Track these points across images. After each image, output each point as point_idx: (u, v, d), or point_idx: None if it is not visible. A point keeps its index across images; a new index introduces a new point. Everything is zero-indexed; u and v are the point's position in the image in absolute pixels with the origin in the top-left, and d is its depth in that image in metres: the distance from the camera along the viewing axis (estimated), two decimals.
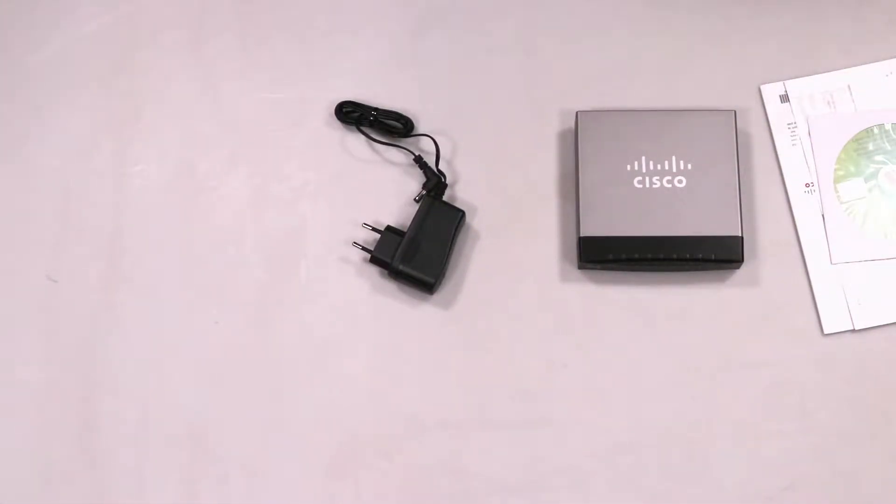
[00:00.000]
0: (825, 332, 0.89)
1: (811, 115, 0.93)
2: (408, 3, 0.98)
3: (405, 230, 0.90)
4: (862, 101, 0.93)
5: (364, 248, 0.91)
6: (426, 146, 0.94)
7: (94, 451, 0.89)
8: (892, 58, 0.94)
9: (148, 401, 0.89)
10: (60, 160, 0.95)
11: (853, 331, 0.89)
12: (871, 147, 0.92)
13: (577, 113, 0.91)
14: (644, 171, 0.89)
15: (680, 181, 0.89)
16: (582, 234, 0.89)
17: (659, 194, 0.89)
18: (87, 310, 0.91)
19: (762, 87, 0.94)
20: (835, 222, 0.90)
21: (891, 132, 0.92)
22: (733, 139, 0.90)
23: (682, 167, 0.89)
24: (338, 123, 0.95)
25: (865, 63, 0.94)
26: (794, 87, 0.94)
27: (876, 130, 0.92)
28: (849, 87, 0.93)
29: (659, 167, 0.89)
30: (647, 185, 0.89)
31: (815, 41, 0.95)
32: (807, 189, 0.91)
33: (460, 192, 0.93)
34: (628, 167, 0.89)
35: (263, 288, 0.91)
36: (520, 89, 0.95)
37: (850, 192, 0.91)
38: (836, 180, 0.91)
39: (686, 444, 0.87)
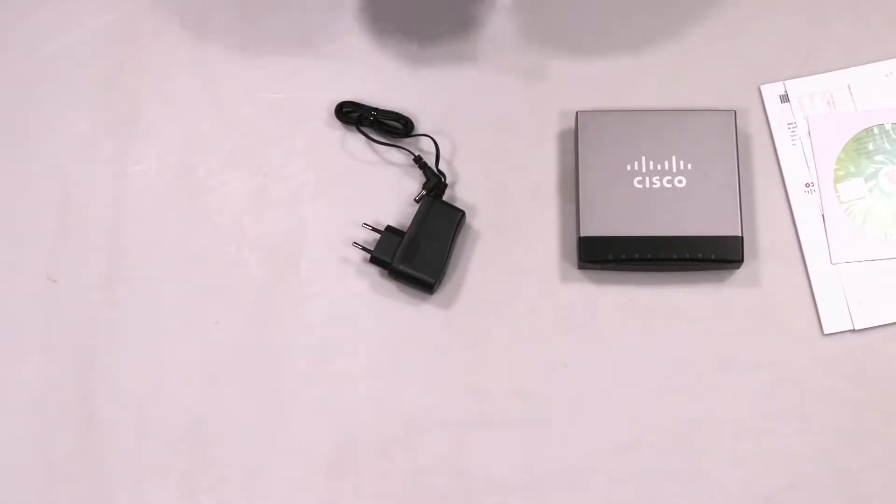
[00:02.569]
0: (825, 332, 0.89)
1: (811, 114, 0.93)
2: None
3: (405, 230, 0.90)
4: (862, 100, 0.93)
5: (364, 248, 0.91)
6: (426, 146, 0.94)
7: (94, 451, 0.89)
8: (891, 58, 0.94)
9: (148, 401, 0.89)
10: (60, 160, 0.95)
11: (853, 331, 0.89)
12: (871, 147, 0.92)
13: (577, 113, 0.91)
14: (644, 171, 0.89)
15: (680, 181, 0.89)
16: (582, 234, 0.89)
17: (659, 194, 0.89)
18: (87, 310, 0.91)
19: (762, 87, 0.94)
20: (835, 222, 0.90)
21: (891, 132, 0.92)
22: (733, 139, 0.90)
23: (682, 167, 0.89)
24: (338, 123, 0.95)
25: (866, 63, 0.94)
26: (794, 87, 0.94)
27: (876, 130, 0.92)
28: (849, 87, 0.93)
29: (659, 167, 0.89)
30: (647, 185, 0.89)
31: (815, 41, 0.95)
32: (807, 189, 0.91)
33: (460, 192, 0.93)
34: (628, 167, 0.89)
35: (263, 288, 0.91)
36: (520, 89, 0.95)
37: (850, 192, 0.91)
38: (837, 180, 0.91)
39: (686, 444, 0.87)
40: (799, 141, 0.92)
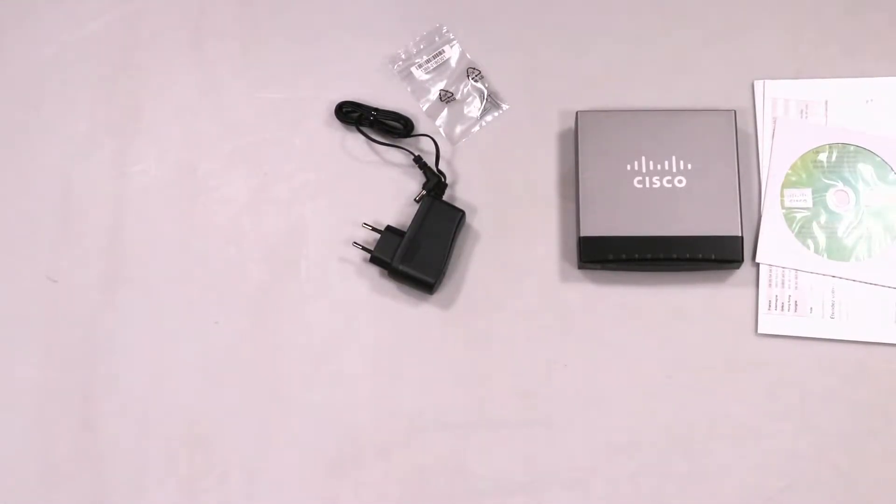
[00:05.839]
0: None
1: (779, 117, 0.93)
2: (408, 3, 0.98)
3: (405, 230, 0.90)
4: (835, 117, 0.92)
5: (364, 248, 0.91)
6: (426, 146, 0.94)
7: (94, 451, 0.89)
8: (879, 76, 0.94)
9: (148, 401, 0.89)
10: (60, 160, 0.95)
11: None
12: (827, 164, 0.91)
13: (577, 113, 0.92)
14: (644, 171, 0.89)
15: (680, 181, 0.89)
16: (582, 234, 0.89)
17: (659, 194, 0.89)
18: (87, 310, 0.91)
19: (755, 83, 0.94)
20: (770, 223, 0.90)
21: (853, 155, 0.91)
22: (733, 139, 0.90)
23: (682, 167, 0.89)
24: (338, 123, 0.95)
25: (858, 76, 0.93)
26: (772, 88, 0.93)
27: (838, 149, 0.92)
28: (826, 102, 0.93)
29: (659, 167, 0.89)
30: (647, 185, 0.89)
31: (815, 45, 0.95)
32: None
33: (460, 192, 0.93)
34: (628, 167, 0.89)
35: (263, 288, 0.91)
36: (520, 89, 0.95)
37: (794, 200, 0.91)
38: (785, 185, 0.91)
39: (686, 444, 0.87)
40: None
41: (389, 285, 0.91)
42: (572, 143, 0.93)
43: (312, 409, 0.89)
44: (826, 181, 0.91)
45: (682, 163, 0.89)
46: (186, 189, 0.94)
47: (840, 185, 0.91)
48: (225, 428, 0.89)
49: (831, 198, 0.91)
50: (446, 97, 0.95)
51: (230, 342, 0.90)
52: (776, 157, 0.92)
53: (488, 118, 0.94)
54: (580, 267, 0.90)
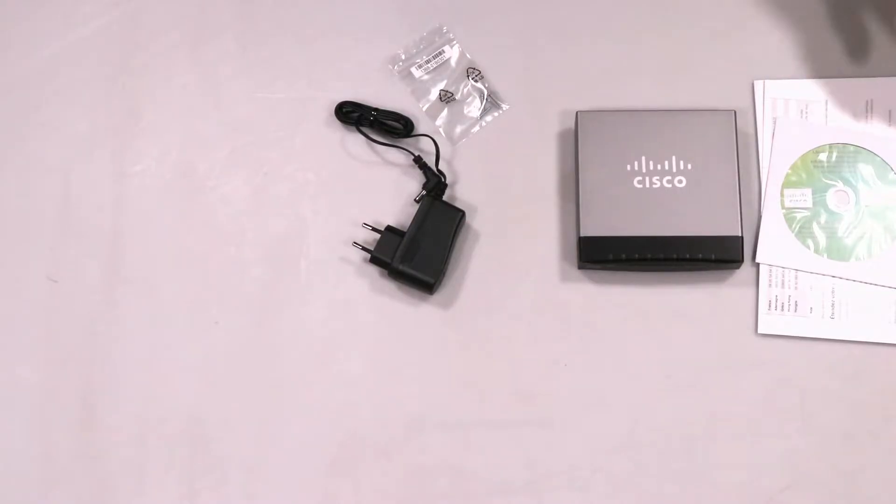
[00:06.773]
0: None
1: (779, 116, 0.93)
2: (408, 3, 0.98)
3: (405, 230, 0.90)
4: (835, 117, 0.92)
5: (364, 248, 0.91)
6: (426, 146, 0.94)
7: (94, 450, 0.89)
8: (879, 76, 0.94)
9: (148, 400, 0.89)
10: (60, 160, 0.95)
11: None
12: (827, 164, 0.91)
13: (577, 113, 0.92)
14: (644, 171, 0.89)
15: (680, 181, 0.89)
16: (582, 234, 0.89)
17: (659, 194, 0.89)
18: (87, 310, 0.91)
19: (755, 83, 0.94)
20: (770, 223, 0.90)
21: (853, 155, 0.91)
22: (733, 139, 0.90)
23: (682, 167, 0.89)
24: (338, 123, 0.95)
25: (855, 77, 0.93)
26: (772, 87, 0.93)
27: (839, 149, 0.92)
28: (826, 101, 0.93)
29: (659, 167, 0.89)
30: (647, 185, 0.89)
31: (815, 45, 0.95)
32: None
33: (460, 192, 0.93)
34: (628, 167, 0.89)
35: (263, 288, 0.91)
36: (520, 89, 0.95)
37: (794, 200, 0.91)
38: (786, 184, 0.91)
39: (686, 444, 0.87)
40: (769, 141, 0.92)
41: (389, 285, 0.91)
42: (572, 143, 0.93)
43: (312, 408, 0.89)
44: (826, 181, 0.91)
45: (682, 163, 0.89)
46: (186, 189, 0.94)
47: (840, 185, 0.91)
48: (224, 428, 0.89)
49: (831, 198, 0.91)
50: (446, 97, 0.95)
51: (230, 342, 0.90)
52: (776, 157, 0.92)
53: (488, 118, 0.94)
54: (580, 267, 0.90)
